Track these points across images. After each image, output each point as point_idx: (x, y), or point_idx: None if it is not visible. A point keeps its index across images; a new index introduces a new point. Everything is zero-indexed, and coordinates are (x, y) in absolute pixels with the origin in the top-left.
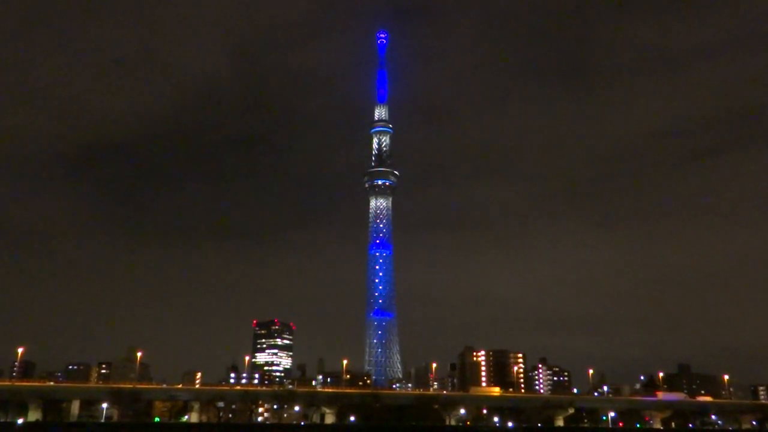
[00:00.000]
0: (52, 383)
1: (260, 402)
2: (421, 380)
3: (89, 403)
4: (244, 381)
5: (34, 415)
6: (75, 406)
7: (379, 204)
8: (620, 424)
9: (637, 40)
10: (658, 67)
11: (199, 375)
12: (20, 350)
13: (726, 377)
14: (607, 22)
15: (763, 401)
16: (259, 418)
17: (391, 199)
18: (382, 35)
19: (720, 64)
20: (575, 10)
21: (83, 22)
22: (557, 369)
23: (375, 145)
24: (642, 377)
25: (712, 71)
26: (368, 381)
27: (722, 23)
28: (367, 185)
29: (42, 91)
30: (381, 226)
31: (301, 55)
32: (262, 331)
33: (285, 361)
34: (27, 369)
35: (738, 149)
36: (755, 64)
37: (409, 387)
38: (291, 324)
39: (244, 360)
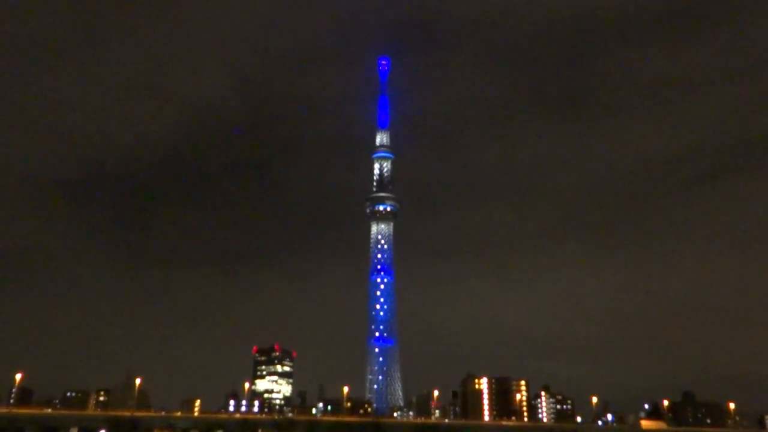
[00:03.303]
0: (49, 410)
1: (260, 430)
2: (423, 408)
3: (87, 431)
4: (243, 409)
5: None
6: None
7: (380, 230)
8: None
9: (635, 68)
10: (657, 94)
11: (198, 402)
12: (18, 376)
13: (732, 405)
14: (606, 50)
15: None
16: None
17: (392, 224)
18: (384, 62)
19: (718, 91)
20: (574, 39)
21: (88, 49)
22: (560, 397)
23: (376, 171)
24: (646, 405)
25: (709, 98)
26: (369, 409)
27: (720, 52)
28: (368, 211)
29: (46, 116)
30: (382, 252)
31: (303, 81)
32: (262, 358)
33: (285, 389)
34: (24, 396)
35: (738, 175)
36: (753, 91)
37: (410, 415)
38: (291, 350)
39: (244, 387)
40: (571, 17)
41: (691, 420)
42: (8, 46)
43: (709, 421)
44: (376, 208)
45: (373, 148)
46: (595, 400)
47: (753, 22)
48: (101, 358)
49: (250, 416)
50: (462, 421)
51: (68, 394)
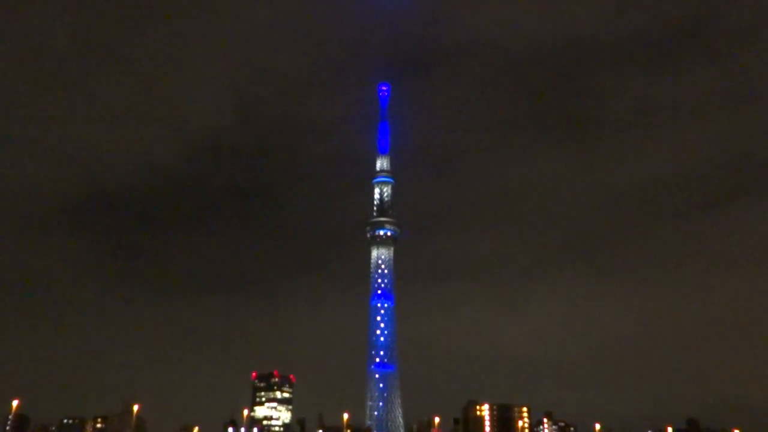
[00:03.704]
0: None
1: None
2: None
3: None
4: None
5: None
6: None
7: (380, 254)
8: None
9: (635, 91)
10: (655, 118)
11: (196, 430)
12: (15, 403)
13: None
14: (606, 74)
15: None
16: None
17: (392, 249)
18: (384, 87)
19: (717, 115)
20: (573, 63)
21: (86, 72)
22: (563, 424)
23: (377, 196)
24: None
25: (709, 122)
26: None
27: (719, 76)
28: (368, 235)
29: (43, 141)
30: (383, 276)
31: (304, 106)
32: (261, 384)
33: (284, 415)
34: (21, 423)
35: (739, 200)
36: (755, 115)
37: None
38: (291, 376)
39: (243, 414)
40: (570, 41)
41: None
42: (8, 68)
43: None
44: (377, 233)
45: (373, 173)
46: (598, 426)
47: (753, 46)
48: (98, 384)
49: None
50: None
51: (65, 421)
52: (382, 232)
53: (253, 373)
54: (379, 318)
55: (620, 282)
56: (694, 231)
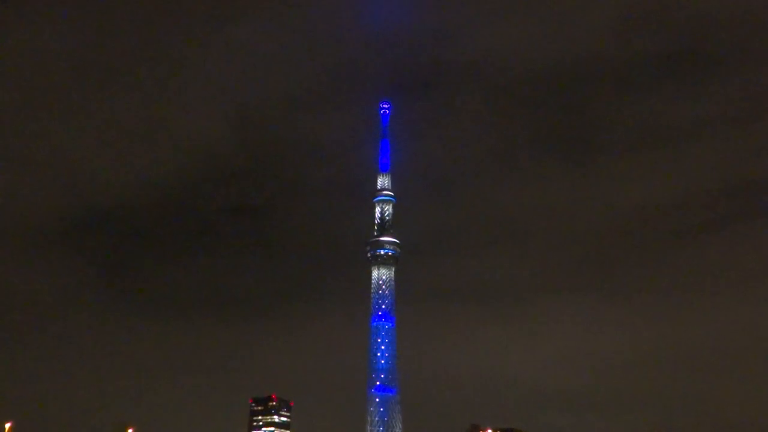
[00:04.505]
0: None
1: None
2: None
3: None
4: None
5: None
6: None
7: (381, 274)
8: None
9: (637, 112)
10: (658, 139)
11: None
12: (8, 426)
13: None
14: (608, 94)
15: None
16: None
17: (393, 269)
18: (386, 105)
19: (723, 136)
20: (575, 83)
21: (83, 90)
22: None
23: (377, 215)
24: None
25: (712, 143)
26: None
27: (722, 97)
28: (369, 255)
29: (37, 158)
30: (383, 297)
31: (303, 124)
32: (259, 408)
33: None
34: None
35: (743, 222)
36: (758, 136)
37: None
38: (289, 400)
39: None
40: (572, 61)
41: None
42: (6, 86)
43: None
44: (377, 253)
45: (374, 191)
46: None
47: (755, 68)
48: (92, 407)
49: None
50: None
51: None
52: (382, 252)
53: (250, 398)
54: (379, 340)
55: (626, 306)
56: (700, 253)
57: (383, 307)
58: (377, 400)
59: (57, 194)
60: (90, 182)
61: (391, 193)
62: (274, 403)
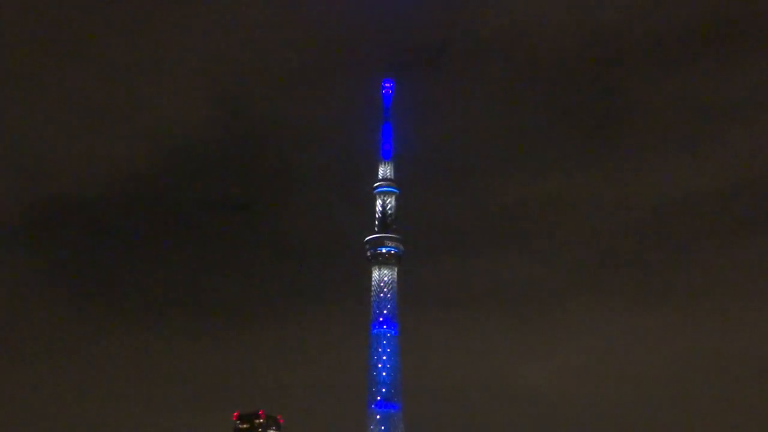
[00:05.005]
0: None
1: None
2: None
3: None
4: None
5: None
6: None
7: (382, 276)
8: None
9: (676, 92)
10: (701, 122)
11: None
12: None
13: None
14: (642, 71)
15: None
16: None
17: (396, 270)
18: (388, 84)
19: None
20: (605, 59)
21: (50, 69)
22: None
23: (378, 208)
24: None
25: (762, 127)
26: None
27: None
28: (369, 254)
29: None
30: (385, 301)
31: (295, 108)
32: (244, 425)
33: None
34: None
35: None
36: None
37: None
38: (278, 417)
39: None
40: (602, 34)
41: None
42: None
43: None
44: (378, 251)
45: (374, 181)
46: None
47: None
48: (64, 423)
49: None
50: None
51: None
52: (384, 251)
53: (235, 413)
54: (380, 349)
55: (658, 311)
56: (745, 251)
57: (385, 312)
58: (378, 417)
59: (15, 185)
60: (53, 172)
61: (394, 184)
62: (261, 420)
